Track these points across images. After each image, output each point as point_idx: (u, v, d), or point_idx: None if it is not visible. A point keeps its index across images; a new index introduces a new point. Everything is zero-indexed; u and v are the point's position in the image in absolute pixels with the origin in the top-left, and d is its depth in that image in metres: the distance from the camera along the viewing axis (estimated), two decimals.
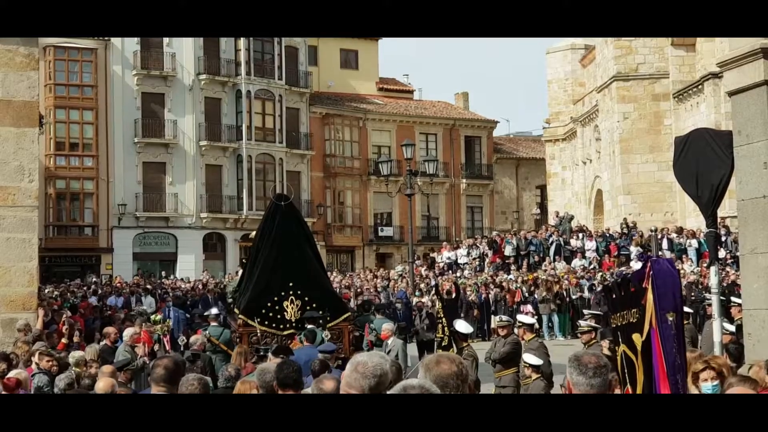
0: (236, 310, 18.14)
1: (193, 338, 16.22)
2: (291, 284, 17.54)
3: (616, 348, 4.80)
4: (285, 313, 17.35)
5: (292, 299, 17.44)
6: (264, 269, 18.01)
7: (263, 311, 17.33)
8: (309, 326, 16.26)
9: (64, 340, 16.13)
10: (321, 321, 16.77)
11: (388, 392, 4.13)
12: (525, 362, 13.70)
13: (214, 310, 20.59)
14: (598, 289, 32.23)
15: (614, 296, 4.97)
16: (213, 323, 18.49)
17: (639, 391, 4.45)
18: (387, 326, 17.68)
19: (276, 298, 17.42)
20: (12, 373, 10.95)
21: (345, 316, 18.09)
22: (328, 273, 45.43)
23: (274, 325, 17.25)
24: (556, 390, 12.61)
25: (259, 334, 17.04)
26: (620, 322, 4.76)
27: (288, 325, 17.27)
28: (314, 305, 17.40)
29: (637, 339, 4.47)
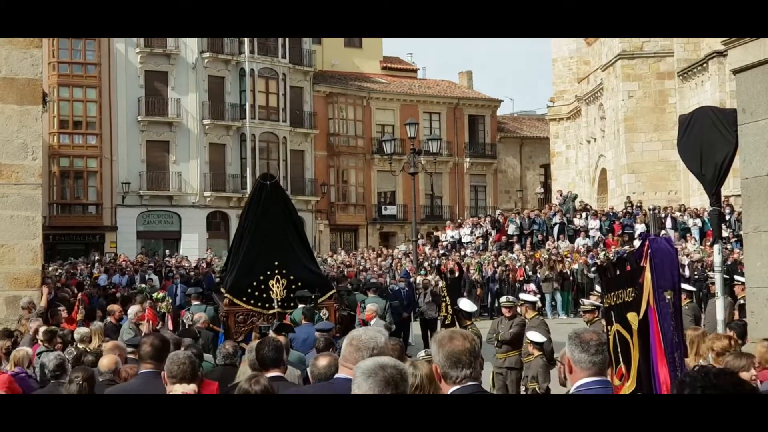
0: (223, 290, 18.20)
1: (196, 316, 16.23)
2: (276, 263, 17.61)
3: (609, 327, 4.80)
4: (271, 293, 17.43)
5: (277, 278, 17.51)
6: (250, 249, 18.10)
7: (249, 290, 17.43)
8: (301, 305, 16.35)
9: (79, 316, 16.13)
10: (311, 300, 16.85)
11: (362, 368, 4.10)
12: (528, 339, 13.76)
13: (195, 289, 20.56)
14: (593, 269, 32.25)
15: (608, 276, 4.97)
16: (195, 302, 18.45)
17: (634, 369, 4.46)
18: (371, 307, 17.61)
19: (262, 278, 17.50)
20: (16, 351, 10.99)
21: (330, 293, 18.19)
22: (332, 252, 45.70)
23: (260, 304, 17.35)
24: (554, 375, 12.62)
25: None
26: (614, 301, 4.76)
27: (274, 304, 17.37)
28: (300, 284, 17.50)
29: (633, 318, 4.47)
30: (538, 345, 13.59)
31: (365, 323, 18.21)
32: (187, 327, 16.33)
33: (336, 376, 5.13)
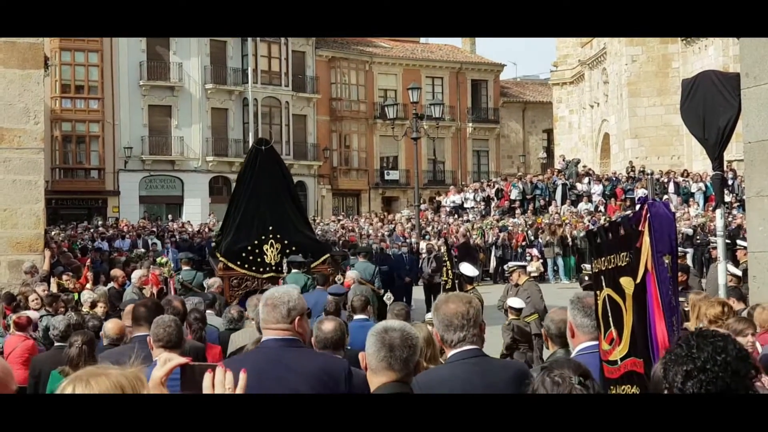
0: (218, 254, 18.33)
1: (211, 281, 16.27)
2: (271, 228, 17.76)
3: (598, 292, 4.79)
4: (265, 257, 17.61)
5: (272, 243, 17.67)
6: (245, 213, 18.22)
7: (243, 255, 17.59)
8: (294, 270, 16.47)
9: (88, 286, 16.17)
10: (304, 264, 16.95)
11: (373, 328, 4.23)
12: (509, 305, 13.89)
13: (185, 254, 20.61)
14: (581, 234, 32.24)
15: (598, 240, 4.96)
16: (185, 267, 18.54)
17: (626, 334, 4.47)
18: (350, 274, 17.58)
19: (256, 242, 17.66)
20: (17, 315, 11.02)
21: (324, 258, 18.31)
22: (335, 216, 45.75)
23: (254, 268, 17.52)
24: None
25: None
26: (605, 266, 4.75)
27: (268, 269, 17.51)
28: (294, 249, 17.63)
29: (627, 282, 4.46)
30: (515, 311, 13.72)
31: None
32: (176, 293, 16.32)
33: (263, 339, 5.14)
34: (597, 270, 4.83)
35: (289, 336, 4.95)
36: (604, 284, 4.68)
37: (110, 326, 8.44)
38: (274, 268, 17.51)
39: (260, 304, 5.12)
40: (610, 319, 4.57)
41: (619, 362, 4.51)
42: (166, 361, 3.29)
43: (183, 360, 3.30)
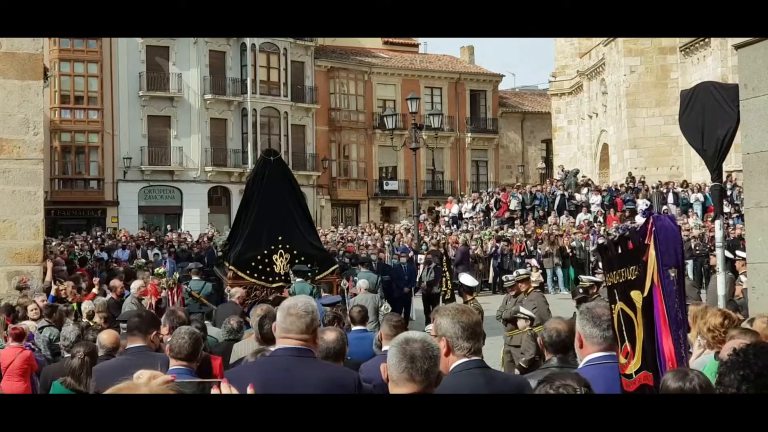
0: (227, 263, 18.38)
1: (233, 290, 16.27)
2: (280, 238, 17.85)
3: (612, 306, 4.80)
4: (274, 267, 17.70)
5: (281, 253, 17.75)
6: (254, 223, 18.32)
7: (253, 264, 17.67)
8: (298, 279, 16.50)
9: (95, 290, 16.21)
10: (309, 274, 17.00)
11: (395, 339, 4.22)
12: (521, 314, 13.74)
13: (195, 264, 20.63)
14: (592, 249, 32.18)
15: (609, 254, 4.97)
16: (194, 277, 18.57)
17: (638, 347, 4.47)
18: (361, 283, 17.58)
19: (266, 251, 17.75)
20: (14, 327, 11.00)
21: (332, 268, 18.37)
22: (334, 227, 45.71)
23: (263, 277, 17.60)
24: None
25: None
26: (617, 280, 4.76)
27: (277, 278, 17.56)
28: (302, 259, 17.70)
29: (637, 296, 4.47)
30: (529, 319, 13.55)
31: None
32: (184, 303, 16.32)
33: (278, 347, 5.11)
34: (610, 284, 4.84)
35: (304, 346, 4.97)
36: (617, 298, 4.69)
37: (105, 337, 8.42)
38: (283, 277, 17.58)
39: (280, 313, 5.10)
40: (624, 333, 4.58)
41: (634, 376, 4.52)
42: (150, 378, 3.32)
43: (168, 377, 3.32)
